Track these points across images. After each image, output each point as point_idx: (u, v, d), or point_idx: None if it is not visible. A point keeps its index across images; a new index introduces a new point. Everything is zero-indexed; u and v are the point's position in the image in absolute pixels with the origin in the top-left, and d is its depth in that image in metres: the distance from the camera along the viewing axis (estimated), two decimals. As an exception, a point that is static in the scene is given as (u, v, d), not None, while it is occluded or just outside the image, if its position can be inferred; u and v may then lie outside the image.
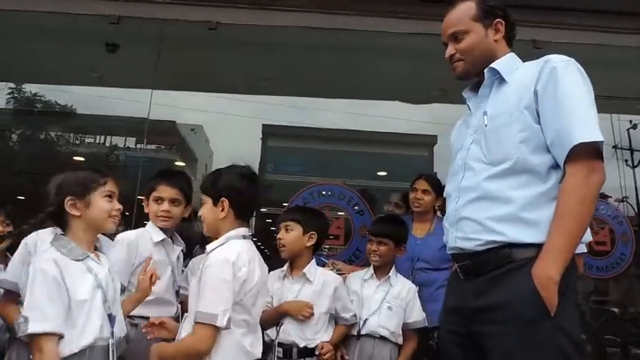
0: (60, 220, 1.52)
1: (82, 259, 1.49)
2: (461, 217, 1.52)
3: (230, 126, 5.13)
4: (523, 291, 1.32)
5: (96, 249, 1.59)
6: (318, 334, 2.12)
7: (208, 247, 1.66)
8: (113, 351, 1.47)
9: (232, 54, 3.94)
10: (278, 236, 2.19)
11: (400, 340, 2.29)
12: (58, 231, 1.53)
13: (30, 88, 5.08)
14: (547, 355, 1.31)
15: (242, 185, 1.68)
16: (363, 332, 2.25)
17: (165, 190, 2.11)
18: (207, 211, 1.68)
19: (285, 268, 2.24)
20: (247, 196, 1.69)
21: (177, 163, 6.26)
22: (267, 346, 2.13)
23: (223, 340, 1.52)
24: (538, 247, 1.35)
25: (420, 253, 2.62)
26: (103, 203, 1.54)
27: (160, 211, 2.10)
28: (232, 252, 1.56)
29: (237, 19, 3.27)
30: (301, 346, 2.08)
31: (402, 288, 2.34)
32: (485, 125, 1.52)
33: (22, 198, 4.21)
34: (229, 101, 4.88)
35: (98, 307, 1.46)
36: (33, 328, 1.34)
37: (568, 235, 1.33)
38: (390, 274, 2.37)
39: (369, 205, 3.60)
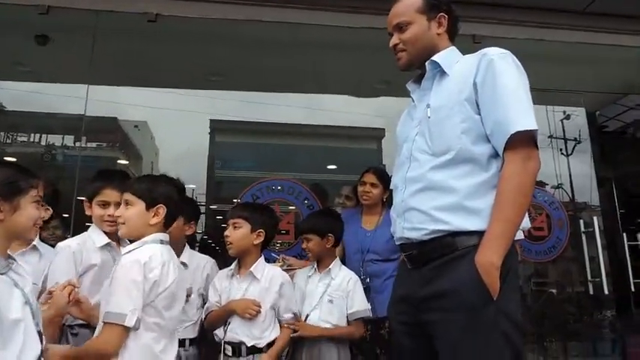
0: None
1: (4, 273, 1.31)
2: (407, 207, 1.54)
3: (176, 122, 4.97)
4: (467, 278, 1.36)
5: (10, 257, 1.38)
6: (265, 332, 2.10)
7: (124, 249, 1.66)
8: None
9: (174, 47, 3.80)
10: (225, 233, 2.16)
11: None
12: None
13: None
14: (491, 339, 1.35)
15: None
16: None
17: (111, 195, 2.01)
18: (135, 213, 1.67)
19: (233, 266, 2.21)
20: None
21: (120, 162, 6.02)
22: (217, 346, 2.09)
23: (131, 342, 1.51)
24: (480, 234, 1.39)
25: (370, 245, 2.65)
26: (31, 210, 1.37)
27: (106, 215, 2.00)
28: (145, 254, 1.58)
29: (177, 10, 3.14)
30: (249, 344, 2.05)
31: (342, 279, 2.35)
32: (429, 117, 1.55)
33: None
34: (174, 96, 4.74)
35: (30, 326, 1.30)
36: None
37: (508, 221, 1.37)
38: (330, 267, 2.37)
39: (319, 200, 3.60)
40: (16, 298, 1.28)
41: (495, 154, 1.47)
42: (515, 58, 1.51)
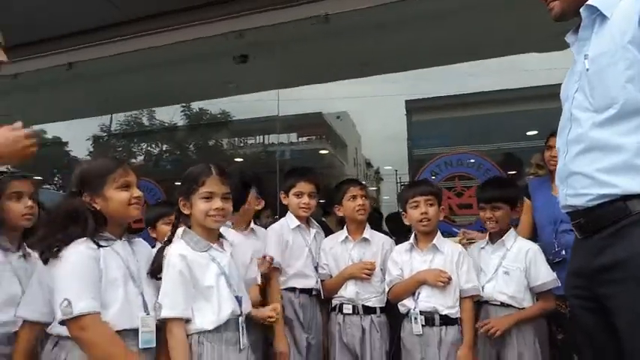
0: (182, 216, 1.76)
1: (206, 250, 1.69)
2: (570, 172, 1.41)
3: (374, 108, 5.23)
4: None
5: (221, 237, 1.78)
6: (457, 302, 2.15)
7: None
8: (243, 327, 1.66)
9: (355, 39, 4.05)
10: (422, 210, 2.23)
11: (527, 305, 2.18)
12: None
13: (195, 105, 5.99)
14: None
15: None
16: (482, 300, 2.22)
17: (305, 186, 2.44)
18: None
19: (411, 240, 2.31)
20: None
21: (322, 152, 6.64)
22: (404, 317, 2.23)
23: None
24: None
25: (563, 214, 2.41)
26: (201, 204, 1.70)
27: (301, 203, 2.42)
28: None
29: (348, 5, 3.36)
30: (442, 313, 2.13)
31: (519, 250, 2.23)
32: (587, 69, 1.37)
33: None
34: (370, 84, 4.97)
35: (224, 291, 1.64)
36: (164, 313, 1.57)
37: None
38: (504, 238, 2.28)
39: (506, 170, 3.40)
40: (211, 270, 1.65)
41: None
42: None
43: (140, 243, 1.72)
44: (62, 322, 1.43)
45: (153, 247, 1.88)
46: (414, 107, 5.05)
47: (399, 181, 5.83)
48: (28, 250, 1.86)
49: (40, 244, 1.53)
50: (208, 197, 1.69)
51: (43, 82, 4.70)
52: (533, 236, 2.52)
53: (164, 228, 2.36)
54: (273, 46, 3.85)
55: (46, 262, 1.49)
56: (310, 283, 2.38)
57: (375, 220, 2.88)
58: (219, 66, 4.45)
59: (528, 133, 4.63)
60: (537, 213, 2.55)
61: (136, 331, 1.51)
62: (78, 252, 1.47)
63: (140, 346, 1.51)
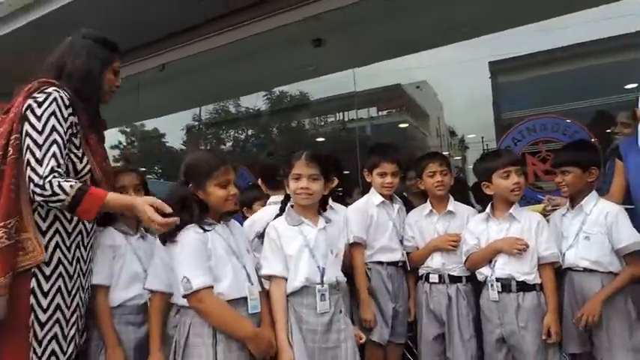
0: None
1: (297, 225, 1.95)
2: None
3: (455, 73, 5.08)
4: None
5: (320, 214, 2.03)
6: (535, 269, 2.15)
7: None
8: (323, 294, 1.86)
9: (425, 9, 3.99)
10: (515, 180, 2.22)
11: (614, 269, 2.11)
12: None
13: (276, 90, 6.26)
14: None
15: None
16: (564, 267, 2.19)
17: (387, 167, 2.50)
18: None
19: (488, 210, 2.34)
20: None
21: (400, 125, 6.59)
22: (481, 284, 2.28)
23: None
24: None
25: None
26: (291, 184, 1.97)
27: (385, 183, 2.51)
28: None
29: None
30: (519, 279, 2.15)
31: (599, 213, 2.17)
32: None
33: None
34: (449, 50, 4.84)
35: (304, 261, 1.88)
36: (263, 272, 1.87)
37: None
38: (582, 202, 2.21)
39: (596, 130, 3.20)
40: (297, 242, 1.91)
41: None
42: None
43: (234, 224, 1.94)
44: (184, 296, 1.69)
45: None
46: (498, 69, 4.79)
47: (485, 148, 5.65)
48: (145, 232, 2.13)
49: None
50: (297, 178, 1.94)
51: (142, 83, 5.22)
52: (627, 199, 2.41)
53: (259, 209, 2.61)
54: (348, 26, 3.93)
55: (164, 243, 1.76)
56: (396, 256, 2.48)
57: (460, 190, 2.87)
58: (297, 51, 4.64)
59: (627, 87, 4.27)
60: (630, 174, 2.42)
61: (245, 299, 1.76)
62: (189, 236, 1.72)
63: (249, 312, 1.75)
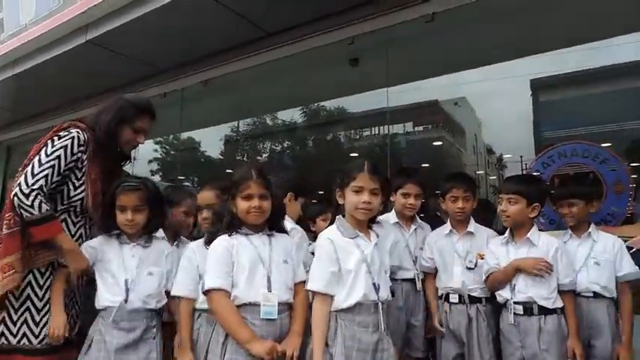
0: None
1: (353, 238, 1.87)
2: None
3: (494, 91, 5.03)
4: None
5: (370, 229, 1.96)
6: (553, 293, 2.16)
7: None
8: (380, 311, 1.81)
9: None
10: (501, 208, 2.31)
11: (614, 295, 2.26)
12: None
13: (314, 105, 6.33)
14: None
15: None
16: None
17: (412, 188, 2.63)
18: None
19: (506, 234, 2.36)
20: None
21: (435, 143, 6.53)
22: (501, 306, 2.29)
23: None
24: None
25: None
26: (350, 197, 1.88)
27: (407, 204, 2.63)
28: None
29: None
30: (540, 304, 2.15)
31: (606, 242, 2.35)
32: None
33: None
34: (490, 68, 4.82)
35: (361, 277, 1.80)
36: (308, 286, 1.87)
37: None
38: (589, 230, 2.39)
39: (621, 159, 3.14)
40: (355, 256, 1.84)
41: None
42: None
43: (282, 237, 1.99)
44: (204, 294, 1.85)
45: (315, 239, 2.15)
46: (540, 86, 4.68)
47: (525, 167, 5.52)
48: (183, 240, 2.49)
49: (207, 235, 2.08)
50: (358, 191, 1.86)
51: (185, 98, 5.43)
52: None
53: (321, 223, 2.84)
54: (382, 48, 3.98)
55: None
56: (408, 275, 2.56)
57: (487, 216, 2.89)
58: (334, 70, 4.73)
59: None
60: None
61: (258, 305, 1.80)
62: (217, 243, 1.90)
63: (261, 317, 1.79)
